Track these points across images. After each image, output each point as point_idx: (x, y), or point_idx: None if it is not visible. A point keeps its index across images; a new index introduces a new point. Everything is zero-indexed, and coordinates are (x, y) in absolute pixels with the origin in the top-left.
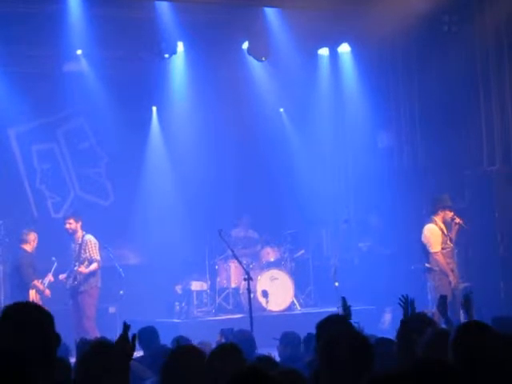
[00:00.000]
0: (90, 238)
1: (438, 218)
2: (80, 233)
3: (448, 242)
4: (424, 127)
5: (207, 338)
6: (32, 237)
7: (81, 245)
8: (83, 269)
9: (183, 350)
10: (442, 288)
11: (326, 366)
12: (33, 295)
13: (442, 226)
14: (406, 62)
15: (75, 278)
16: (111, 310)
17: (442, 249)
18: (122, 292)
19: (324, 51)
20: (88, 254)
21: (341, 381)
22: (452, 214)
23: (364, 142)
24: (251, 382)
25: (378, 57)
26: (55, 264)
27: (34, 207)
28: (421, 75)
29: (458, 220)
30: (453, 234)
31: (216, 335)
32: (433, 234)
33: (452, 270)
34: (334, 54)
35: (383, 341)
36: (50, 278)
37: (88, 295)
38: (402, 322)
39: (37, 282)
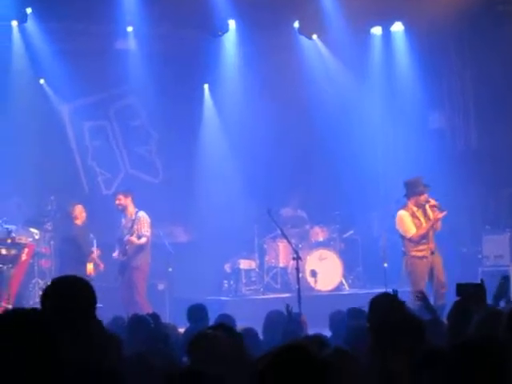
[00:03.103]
0: (142, 214)
1: (410, 203)
2: (132, 208)
3: (422, 225)
4: (477, 108)
5: (255, 317)
6: (78, 210)
7: (134, 220)
8: (134, 239)
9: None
10: (415, 274)
11: (378, 343)
12: (90, 269)
13: (415, 209)
14: (460, 41)
15: (125, 253)
16: (160, 286)
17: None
18: (170, 269)
19: (377, 30)
20: (139, 228)
21: (393, 357)
22: (424, 197)
23: (416, 123)
24: (293, 358)
25: (432, 36)
26: (94, 239)
27: (85, 183)
28: (475, 54)
29: (432, 202)
30: (431, 218)
31: (263, 314)
32: (402, 220)
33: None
34: (386, 33)
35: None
36: (95, 251)
37: (140, 271)
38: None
39: (94, 255)
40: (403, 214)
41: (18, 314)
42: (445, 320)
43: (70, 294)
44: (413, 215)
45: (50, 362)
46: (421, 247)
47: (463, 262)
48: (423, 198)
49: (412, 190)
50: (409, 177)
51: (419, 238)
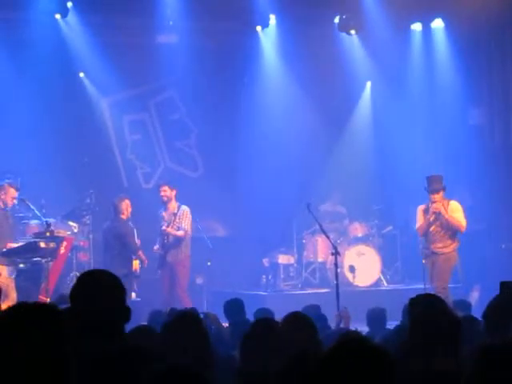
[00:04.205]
0: (186, 208)
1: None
2: (175, 202)
3: (431, 224)
4: None
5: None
6: (125, 205)
7: (176, 214)
8: (170, 229)
9: (261, 323)
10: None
11: (419, 339)
12: (136, 265)
13: (433, 206)
14: (500, 37)
15: (163, 245)
16: (198, 280)
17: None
18: (209, 263)
19: (417, 26)
20: (180, 222)
21: (432, 354)
22: (433, 197)
23: (455, 119)
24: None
25: (472, 32)
26: (134, 229)
27: (124, 177)
28: None
29: (433, 206)
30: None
31: (301, 309)
32: (417, 212)
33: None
34: (427, 30)
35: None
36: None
37: (182, 265)
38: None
39: (141, 253)
40: (418, 208)
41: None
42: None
43: (97, 291)
44: (426, 210)
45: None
46: (427, 245)
47: (502, 258)
48: (431, 197)
49: (428, 186)
50: (446, 172)
51: (419, 232)
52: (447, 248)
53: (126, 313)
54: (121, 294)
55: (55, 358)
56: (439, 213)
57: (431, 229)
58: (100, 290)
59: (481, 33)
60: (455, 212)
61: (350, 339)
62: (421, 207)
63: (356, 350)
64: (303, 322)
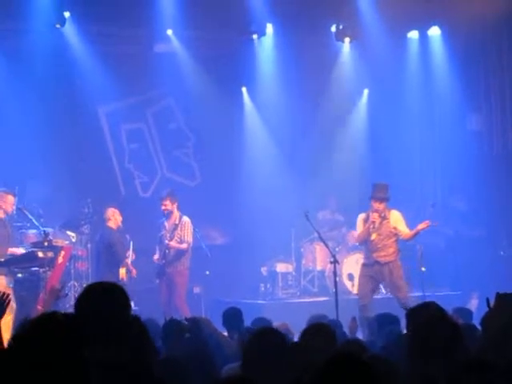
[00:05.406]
0: (187, 219)
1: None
2: (177, 213)
3: (371, 233)
4: None
5: (291, 321)
6: (110, 212)
7: (177, 225)
8: (173, 243)
9: (263, 331)
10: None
11: (418, 348)
12: (122, 273)
13: (373, 215)
14: (497, 44)
15: (164, 256)
16: (196, 289)
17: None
18: (207, 272)
19: (414, 34)
20: (182, 234)
21: (431, 363)
22: (375, 206)
23: (453, 125)
24: (346, 368)
25: (469, 39)
26: (131, 242)
27: (121, 186)
28: None
29: (372, 216)
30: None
31: (300, 317)
32: (357, 220)
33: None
34: (423, 37)
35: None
36: (131, 255)
37: (180, 274)
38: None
39: (127, 261)
40: (359, 216)
41: (50, 319)
42: None
43: (103, 300)
44: (366, 219)
45: (82, 365)
46: (368, 254)
47: (501, 265)
48: (373, 204)
49: (372, 193)
50: (444, 178)
51: (357, 240)
52: (390, 256)
53: (131, 322)
54: (125, 305)
55: (76, 361)
56: (380, 222)
57: (372, 238)
58: (106, 300)
59: (477, 39)
60: (397, 222)
61: (337, 355)
62: (361, 216)
63: (342, 365)
64: (326, 333)
